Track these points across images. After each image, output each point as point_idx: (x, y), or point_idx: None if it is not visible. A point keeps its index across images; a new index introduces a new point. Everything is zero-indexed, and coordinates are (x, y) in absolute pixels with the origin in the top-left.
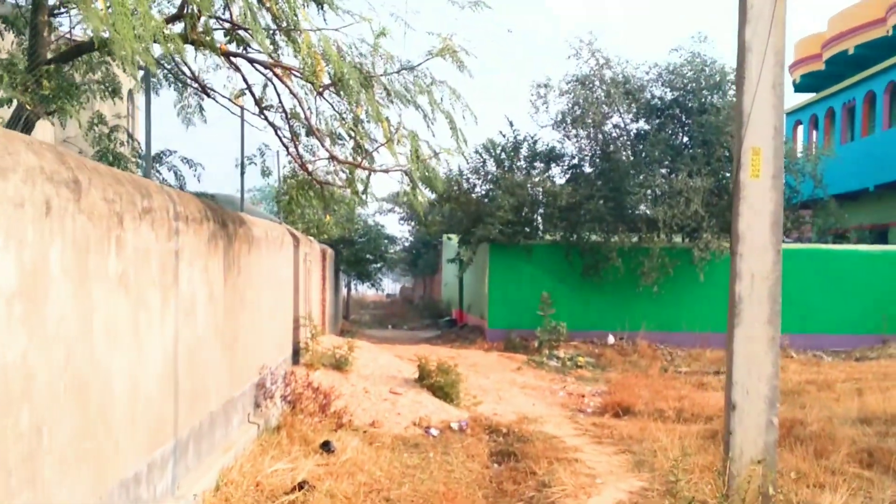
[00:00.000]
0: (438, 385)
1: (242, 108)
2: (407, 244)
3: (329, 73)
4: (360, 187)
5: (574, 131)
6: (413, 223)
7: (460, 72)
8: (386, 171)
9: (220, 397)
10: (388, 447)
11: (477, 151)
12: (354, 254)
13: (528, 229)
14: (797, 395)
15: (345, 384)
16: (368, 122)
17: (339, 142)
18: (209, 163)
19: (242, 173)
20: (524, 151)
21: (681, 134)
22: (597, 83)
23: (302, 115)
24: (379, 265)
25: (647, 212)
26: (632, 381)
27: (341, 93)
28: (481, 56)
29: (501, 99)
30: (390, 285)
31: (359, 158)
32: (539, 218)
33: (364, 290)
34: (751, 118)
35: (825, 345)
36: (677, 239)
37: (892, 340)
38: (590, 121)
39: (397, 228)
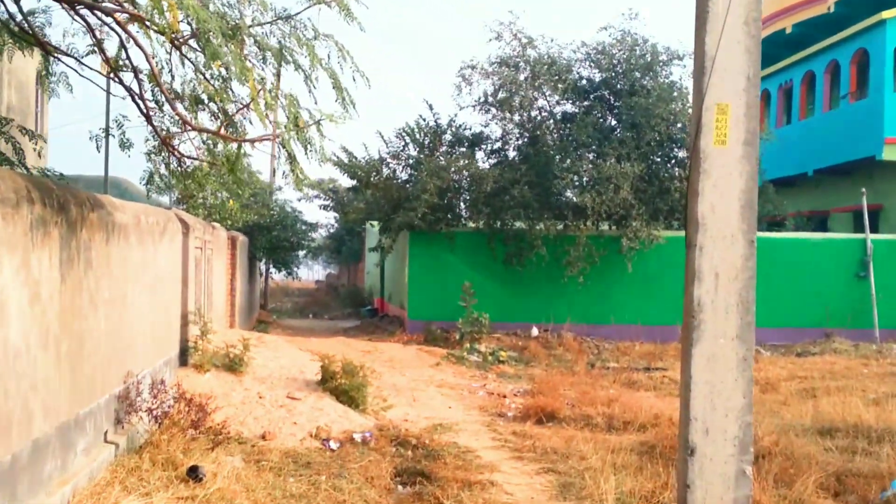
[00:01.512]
0: (343, 388)
1: (109, 75)
2: (332, 231)
3: (191, 24)
4: (231, 162)
5: (499, 114)
6: (334, 210)
7: (348, 24)
8: (252, 142)
9: (54, 418)
10: (274, 468)
11: (398, 135)
12: (270, 241)
13: (450, 216)
14: None
15: (237, 388)
16: (233, 81)
17: (201, 107)
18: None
19: (105, 149)
20: (447, 136)
21: (609, 117)
22: (521, 64)
23: (151, 73)
24: (297, 253)
25: (574, 198)
26: (557, 380)
27: (205, 49)
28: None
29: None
30: (319, 272)
31: (222, 126)
32: (462, 204)
33: (291, 278)
34: (715, 65)
35: (764, 339)
36: (605, 227)
37: (836, 334)
38: (515, 103)
39: (322, 215)
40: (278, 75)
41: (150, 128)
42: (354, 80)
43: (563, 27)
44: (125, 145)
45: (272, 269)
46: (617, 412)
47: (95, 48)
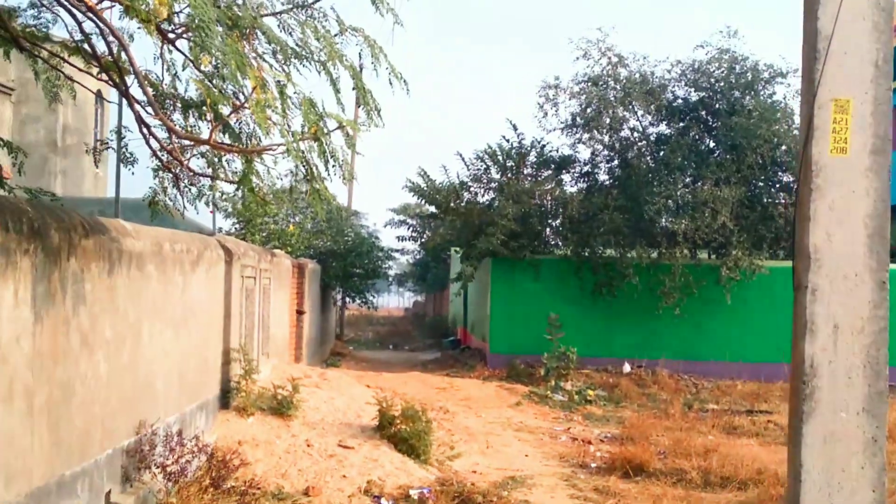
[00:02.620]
0: (403, 436)
1: (99, 76)
2: (418, 257)
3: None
4: (243, 178)
5: (587, 135)
6: (412, 239)
7: (382, 16)
8: (258, 153)
9: (23, 483)
10: None
11: (479, 157)
12: (344, 268)
13: (535, 242)
14: None
15: (283, 435)
16: (231, 80)
17: (195, 112)
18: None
19: (116, 165)
20: (531, 158)
21: (707, 138)
22: (611, 83)
23: (127, 65)
24: (373, 281)
25: (669, 224)
26: (649, 424)
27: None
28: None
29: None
30: (409, 300)
31: (225, 137)
32: (547, 230)
33: (378, 305)
34: (832, 47)
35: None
36: (703, 255)
37: None
38: (605, 122)
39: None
40: (288, 76)
41: (150, 138)
42: (391, 83)
43: (652, 46)
44: (127, 160)
45: (347, 298)
46: (715, 465)
47: (80, 44)
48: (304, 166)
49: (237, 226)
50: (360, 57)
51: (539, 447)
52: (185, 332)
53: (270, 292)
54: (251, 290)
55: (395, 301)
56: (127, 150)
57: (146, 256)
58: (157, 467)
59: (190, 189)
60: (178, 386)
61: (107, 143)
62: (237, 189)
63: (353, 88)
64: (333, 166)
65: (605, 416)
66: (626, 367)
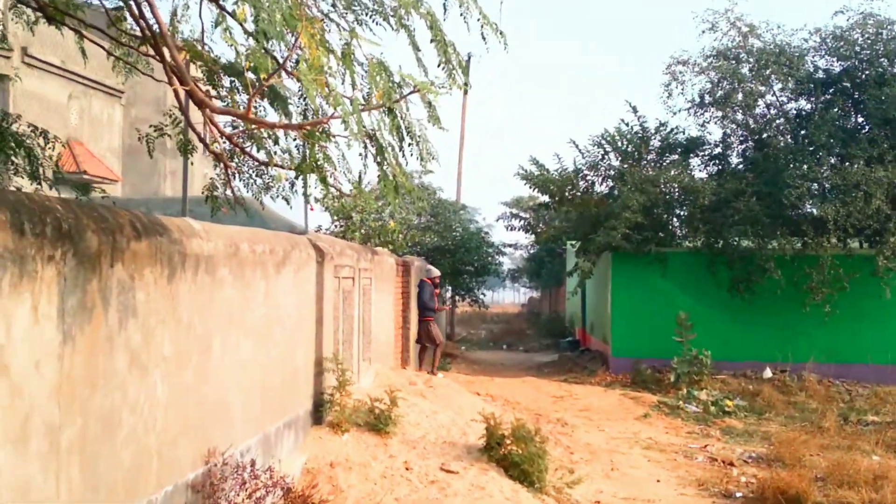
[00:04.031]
0: (514, 459)
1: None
2: (533, 251)
3: None
4: (302, 161)
5: (718, 114)
6: (525, 230)
7: None
8: (304, 127)
9: None
10: None
11: (596, 143)
12: (453, 265)
13: (661, 234)
14: None
15: (380, 455)
16: (278, 36)
17: (239, 80)
18: None
19: (183, 157)
20: (655, 142)
21: (854, 112)
22: (743, 56)
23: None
24: (484, 278)
25: (814, 210)
26: (800, 441)
27: None
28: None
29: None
30: (523, 296)
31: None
32: (675, 220)
33: (490, 302)
34: None
35: None
36: (854, 244)
37: None
38: (738, 99)
39: (521, 235)
40: (352, 32)
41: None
42: (484, 38)
43: (786, 15)
44: (184, 148)
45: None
46: (889, 497)
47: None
48: (371, 144)
49: (337, 223)
50: (444, 8)
51: (672, 470)
52: (269, 341)
53: (371, 293)
54: (349, 292)
55: (510, 297)
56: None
57: (218, 259)
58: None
59: (255, 180)
60: (259, 403)
61: (161, 128)
62: (297, 177)
63: (433, 41)
64: (410, 144)
65: (747, 430)
66: (768, 372)
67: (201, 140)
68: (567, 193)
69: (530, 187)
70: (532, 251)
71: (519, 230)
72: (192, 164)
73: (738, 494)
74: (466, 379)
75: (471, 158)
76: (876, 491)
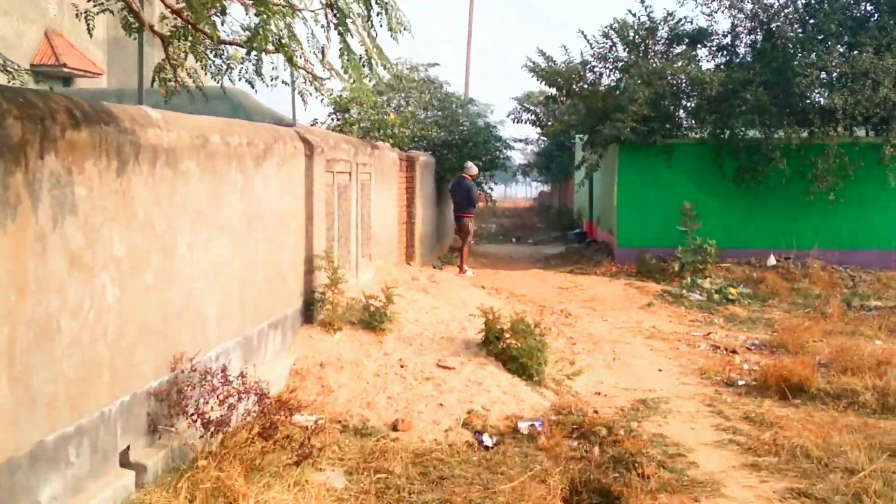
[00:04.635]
0: (512, 354)
1: None
2: (543, 145)
3: None
4: (253, 36)
5: (725, 3)
6: (533, 124)
7: None
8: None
9: None
10: (389, 490)
11: (604, 34)
12: (460, 160)
13: (667, 126)
14: None
15: (374, 353)
16: None
17: None
18: None
19: (139, 40)
20: (662, 32)
21: (863, 0)
22: None
23: None
24: (492, 173)
25: (821, 99)
26: (803, 327)
27: None
28: None
29: None
30: (535, 191)
31: None
32: (681, 112)
33: (502, 197)
34: None
35: None
36: (860, 133)
37: None
38: None
39: (531, 131)
40: None
41: None
42: None
43: None
44: (131, 27)
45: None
46: (892, 384)
47: None
48: (332, 12)
49: (334, 117)
50: None
51: (675, 358)
52: (249, 240)
53: (371, 188)
54: (345, 187)
55: (522, 192)
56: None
57: (182, 151)
58: (196, 413)
59: (212, 61)
60: (238, 305)
61: (101, 2)
62: (248, 53)
63: None
64: (379, 14)
65: (751, 317)
66: (772, 260)
67: (134, 13)
68: (574, 86)
69: (538, 80)
70: (542, 146)
71: (526, 123)
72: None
73: (741, 382)
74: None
75: (484, 55)
76: (879, 377)
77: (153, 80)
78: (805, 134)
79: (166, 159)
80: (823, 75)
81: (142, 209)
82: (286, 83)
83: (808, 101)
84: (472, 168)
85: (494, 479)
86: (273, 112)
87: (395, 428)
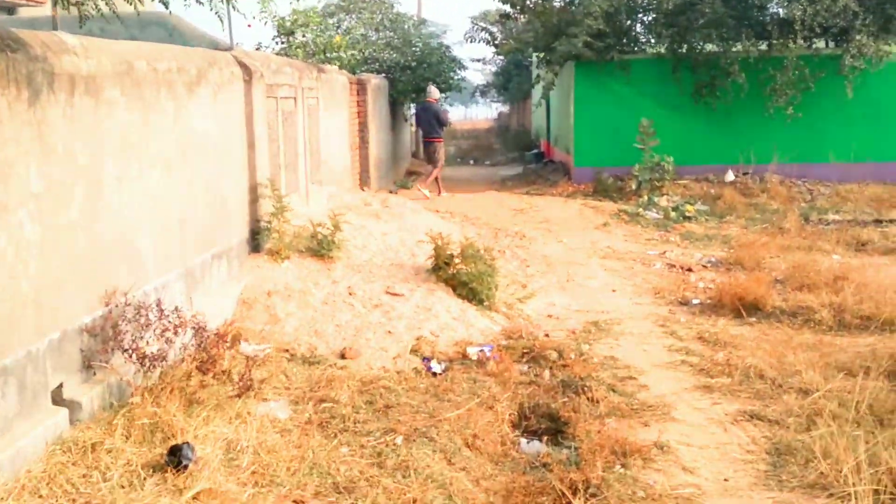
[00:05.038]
0: (462, 279)
1: None
2: (500, 65)
3: None
4: None
5: None
6: (489, 43)
7: None
8: None
9: None
10: (334, 419)
11: None
12: (414, 82)
13: (624, 41)
14: None
15: (322, 281)
16: None
17: None
18: None
19: None
20: None
21: None
22: None
23: None
24: (445, 94)
25: (780, 10)
26: (760, 243)
27: None
28: None
29: None
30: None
31: None
32: (638, 27)
33: (462, 118)
34: None
35: None
36: (819, 44)
37: None
38: None
39: (489, 51)
40: None
41: None
42: None
43: None
44: None
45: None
46: (849, 300)
47: None
48: None
49: (278, 40)
50: None
51: (629, 278)
52: (186, 170)
53: (319, 113)
54: (290, 113)
55: (482, 113)
56: None
57: (104, 79)
58: (131, 349)
59: None
60: (178, 236)
61: None
62: None
63: None
64: None
65: (707, 234)
66: (730, 175)
67: None
68: (529, 2)
69: None
70: (500, 65)
71: (481, 42)
72: None
73: (696, 301)
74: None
75: None
76: (836, 293)
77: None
78: (763, 47)
79: (86, 88)
80: None
81: (61, 142)
82: (201, 2)
83: (767, 12)
84: (434, 91)
85: (441, 407)
86: (209, 37)
87: (343, 356)
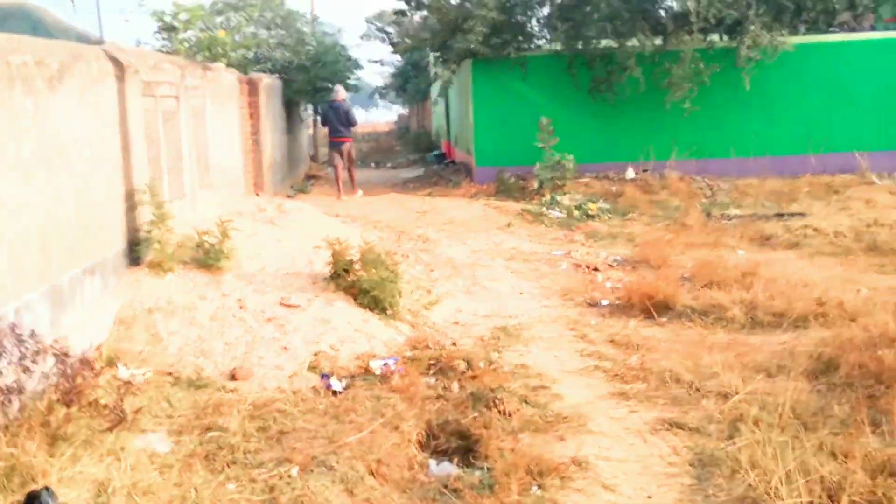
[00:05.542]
0: (363, 287)
1: None
2: (399, 66)
3: None
4: None
5: None
6: (387, 41)
7: None
8: None
9: None
10: (221, 450)
11: None
12: (310, 82)
13: (520, 38)
14: None
15: (210, 294)
16: None
17: None
18: None
19: None
20: None
21: None
22: None
23: None
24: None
25: (675, 4)
26: (665, 241)
27: None
28: None
29: None
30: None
31: None
32: (534, 22)
33: (363, 121)
34: None
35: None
36: (714, 37)
37: None
38: None
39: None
40: None
41: None
42: None
43: None
44: None
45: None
46: (760, 296)
47: None
48: None
49: (160, 36)
50: None
51: (536, 280)
52: (50, 175)
53: (206, 114)
54: (172, 113)
55: (384, 116)
56: None
57: None
58: None
59: None
60: (39, 250)
61: None
62: None
63: None
64: None
65: (611, 232)
66: (630, 173)
67: None
68: None
69: None
70: (398, 66)
71: (376, 40)
72: None
73: (605, 302)
74: (327, 201)
75: None
76: (746, 289)
77: None
78: (659, 41)
79: None
80: None
81: None
82: None
83: (661, 6)
84: (341, 90)
85: (342, 430)
86: (78, 30)
87: (233, 377)
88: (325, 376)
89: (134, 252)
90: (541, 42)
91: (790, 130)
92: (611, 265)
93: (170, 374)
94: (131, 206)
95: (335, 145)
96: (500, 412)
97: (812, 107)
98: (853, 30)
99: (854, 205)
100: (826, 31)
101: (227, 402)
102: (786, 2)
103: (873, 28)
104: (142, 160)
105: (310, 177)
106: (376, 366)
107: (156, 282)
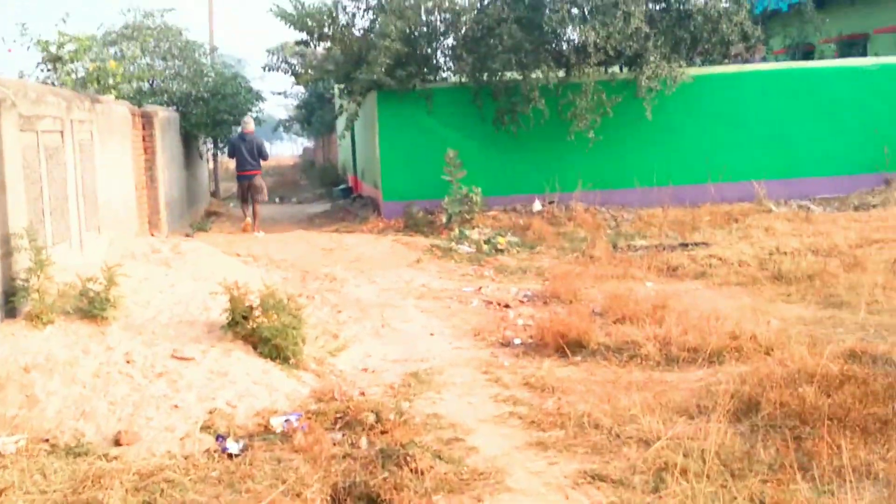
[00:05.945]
0: (263, 335)
1: None
2: (303, 98)
3: None
4: None
5: None
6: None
7: None
8: None
9: None
10: None
11: None
12: (209, 114)
13: (425, 70)
14: (823, 282)
15: (94, 348)
16: None
17: None
18: None
19: None
20: None
21: None
22: None
23: None
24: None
25: (575, 36)
26: (574, 274)
27: None
28: None
29: None
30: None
31: None
32: (439, 54)
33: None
34: None
35: (812, 191)
36: (615, 69)
37: None
38: None
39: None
40: None
41: None
42: None
43: None
44: None
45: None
46: (673, 331)
47: None
48: None
49: (44, 67)
50: None
51: (447, 319)
52: None
53: (95, 149)
54: (55, 149)
55: (288, 150)
56: None
57: None
58: None
59: None
60: None
61: None
62: None
63: None
64: None
65: (521, 266)
66: (537, 205)
67: None
68: (327, 28)
69: (287, 25)
70: (302, 98)
71: (279, 71)
72: None
73: (517, 341)
74: (227, 239)
75: (233, 5)
76: (659, 324)
77: None
78: (562, 73)
79: None
80: (575, 10)
81: None
82: None
83: (563, 38)
84: (249, 123)
85: (238, 501)
86: None
87: (117, 442)
88: (220, 437)
89: (9, 303)
90: (446, 74)
91: (690, 160)
92: (522, 301)
93: (46, 440)
94: (7, 253)
95: (243, 178)
96: (412, 471)
97: (710, 136)
98: (746, 61)
99: (754, 233)
100: (721, 63)
101: (109, 473)
102: (682, 34)
103: (764, 59)
104: (19, 201)
105: (210, 214)
106: (277, 423)
107: (33, 335)
